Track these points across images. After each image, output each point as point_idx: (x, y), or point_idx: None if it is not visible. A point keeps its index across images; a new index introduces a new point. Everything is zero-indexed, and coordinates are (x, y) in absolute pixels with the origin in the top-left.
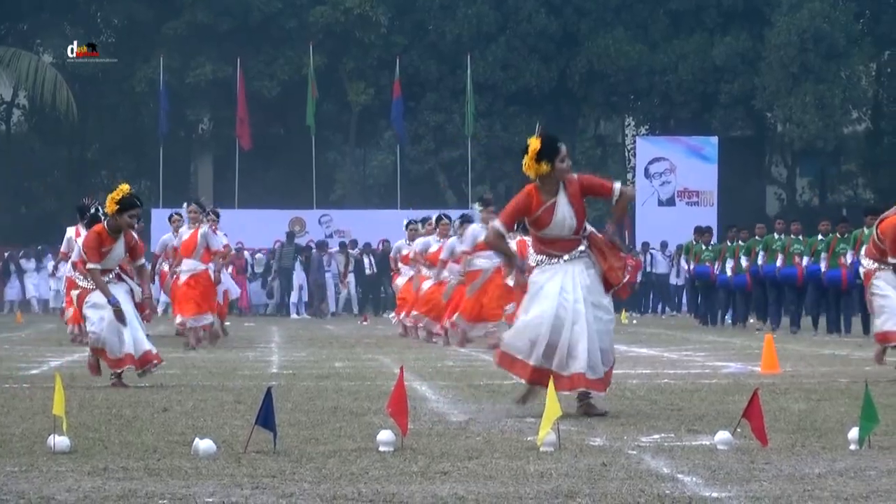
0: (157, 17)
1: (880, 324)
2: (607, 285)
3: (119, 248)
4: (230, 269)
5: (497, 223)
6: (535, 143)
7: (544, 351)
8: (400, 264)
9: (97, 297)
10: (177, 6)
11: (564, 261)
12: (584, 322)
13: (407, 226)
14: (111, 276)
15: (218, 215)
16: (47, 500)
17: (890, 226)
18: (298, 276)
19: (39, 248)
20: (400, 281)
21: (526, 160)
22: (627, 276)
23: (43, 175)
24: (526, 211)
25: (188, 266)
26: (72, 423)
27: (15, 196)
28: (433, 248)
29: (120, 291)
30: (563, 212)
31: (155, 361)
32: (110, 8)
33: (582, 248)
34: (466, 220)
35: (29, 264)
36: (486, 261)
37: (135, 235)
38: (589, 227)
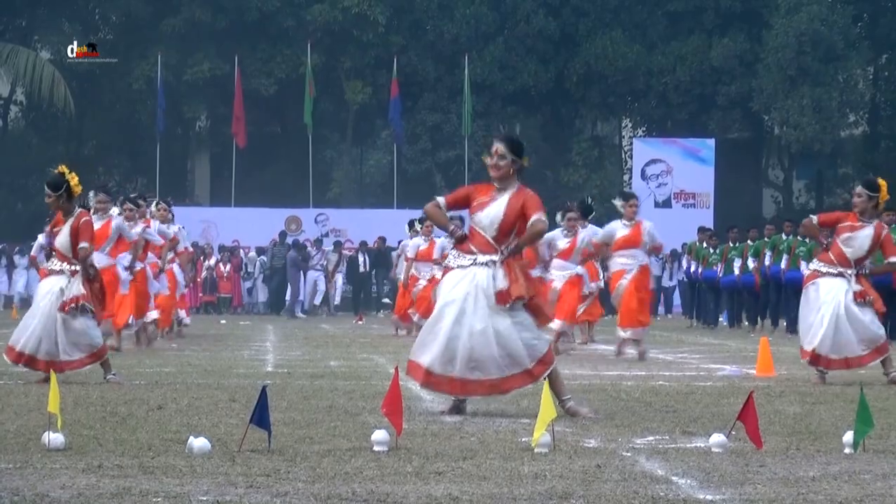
0: (155, 14)
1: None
2: (504, 297)
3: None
4: (172, 261)
5: (439, 198)
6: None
7: (441, 356)
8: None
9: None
10: (174, 3)
11: (475, 262)
12: (492, 327)
13: (411, 226)
14: (63, 264)
15: (169, 205)
16: (42, 498)
17: None
18: (292, 275)
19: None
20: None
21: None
22: (528, 295)
23: (40, 171)
24: (466, 197)
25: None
26: (66, 421)
27: (11, 192)
28: (423, 247)
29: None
30: (498, 208)
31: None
32: (108, 4)
33: (495, 258)
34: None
35: (22, 261)
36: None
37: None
38: (509, 250)
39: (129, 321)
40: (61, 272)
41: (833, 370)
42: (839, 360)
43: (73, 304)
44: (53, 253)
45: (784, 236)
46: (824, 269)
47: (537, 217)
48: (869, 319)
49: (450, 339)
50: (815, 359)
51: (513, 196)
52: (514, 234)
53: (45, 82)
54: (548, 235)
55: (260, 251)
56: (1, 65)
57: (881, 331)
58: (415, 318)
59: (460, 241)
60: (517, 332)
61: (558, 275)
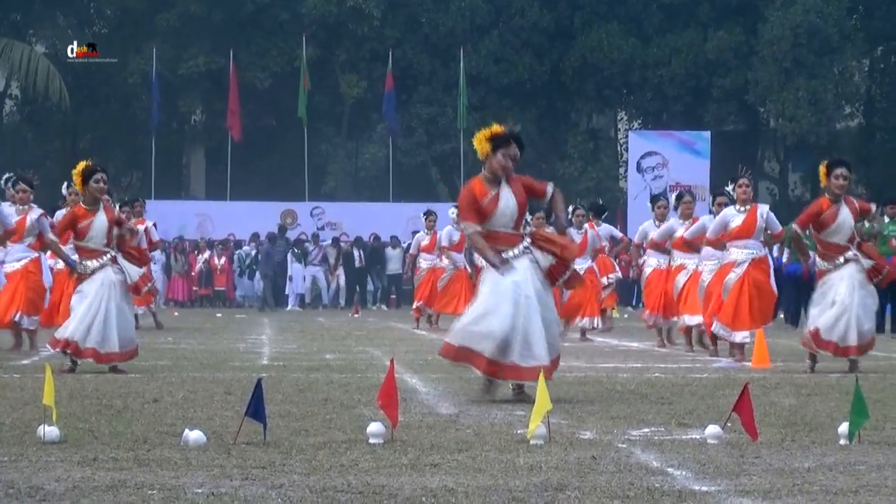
0: (150, 8)
1: None
2: (559, 268)
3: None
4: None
5: (474, 226)
6: (495, 128)
7: (499, 344)
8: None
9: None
10: None
11: (510, 257)
12: (539, 315)
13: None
14: (104, 258)
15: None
16: (36, 490)
17: None
18: (292, 269)
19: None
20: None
21: (479, 135)
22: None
23: (35, 166)
24: (472, 201)
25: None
26: (62, 413)
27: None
28: (425, 242)
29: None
30: (507, 200)
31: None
32: None
33: (525, 244)
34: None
35: None
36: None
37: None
38: (530, 227)
39: (16, 318)
40: (103, 266)
41: (825, 352)
42: (831, 345)
43: (143, 286)
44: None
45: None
46: (830, 266)
47: (551, 187)
48: (870, 315)
49: (506, 327)
50: (815, 336)
51: (513, 185)
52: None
53: (40, 76)
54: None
55: (238, 245)
56: None
57: (873, 327)
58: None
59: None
60: (547, 330)
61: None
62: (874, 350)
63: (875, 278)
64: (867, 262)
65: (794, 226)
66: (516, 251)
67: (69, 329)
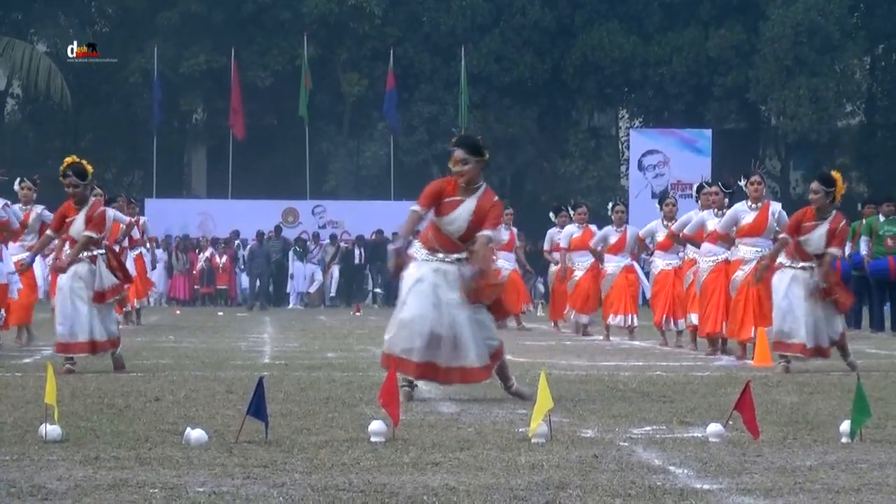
0: (151, 7)
1: None
2: (477, 294)
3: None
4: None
5: (416, 206)
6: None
7: (428, 344)
8: None
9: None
10: None
11: (441, 259)
12: (464, 314)
13: (557, 212)
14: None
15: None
16: (38, 489)
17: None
18: (293, 267)
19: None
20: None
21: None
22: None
23: (36, 165)
24: (439, 193)
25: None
26: (63, 412)
27: (8, 186)
28: (577, 235)
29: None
30: (463, 212)
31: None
32: None
33: (460, 256)
34: None
35: None
36: (506, 262)
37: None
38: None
39: None
40: (80, 260)
41: (787, 353)
42: (797, 345)
43: (110, 297)
44: (66, 244)
45: None
46: (787, 263)
47: (483, 237)
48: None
49: (434, 328)
50: (799, 348)
51: (481, 200)
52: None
53: (42, 75)
54: (600, 233)
55: (245, 243)
56: None
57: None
58: (571, 316)
59: (397, 265)
60: (477, 327)
61: (503, 264)
62: (876, 348)
63: (825, 298)
64: (822, 283)
65: (785, 236)
66: (451, 257)
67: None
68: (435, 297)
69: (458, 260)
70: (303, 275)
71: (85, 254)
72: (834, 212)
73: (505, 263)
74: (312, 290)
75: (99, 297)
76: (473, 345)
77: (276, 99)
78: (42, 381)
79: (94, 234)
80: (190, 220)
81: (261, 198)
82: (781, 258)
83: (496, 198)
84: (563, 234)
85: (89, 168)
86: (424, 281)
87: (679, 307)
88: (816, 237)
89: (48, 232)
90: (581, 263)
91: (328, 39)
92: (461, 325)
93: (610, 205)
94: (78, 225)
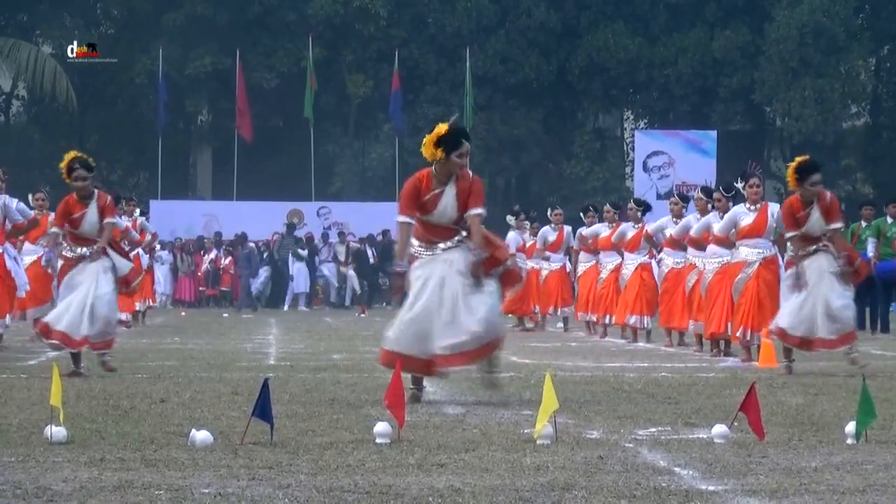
0: (157, 9)
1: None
2: (492, 262)
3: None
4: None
5: (402, 217)
6: (441, 128)
7: (429, 338)
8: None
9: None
10: None
11: (442, 249)
12: (460, 304)
13: (586, 212)
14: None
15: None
16: (44, 491)
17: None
18: (293, 269)
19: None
20: None
21: (426, 140)
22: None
23: (42, 166)
24: (416, 194)
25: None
26: (69, 414)
27: (14, 187)
28: (604, 234)
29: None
30: (448, 201)
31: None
32: None
33: (459, 237)
34: None
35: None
36: (551, 263)
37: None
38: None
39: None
40: (92, 255)
41: (792, 346)
42: (799, 339)
43: (134, 280)
44: (69, 239)
45: None
46: (801, 252)
47: (475, 212)
48: (843, 304)
49: (431, 323)
50: (781, 334)
51: (458, 184)
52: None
53: (47, 77)
54: (511, 236)
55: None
56: (3, 59)
57: (851, 317)
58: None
59: (397, 287)
60: (473, 313)
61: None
62: (882, 350)
63: (845, 267)
64: (841, 255)
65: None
66: (450, 243)
67: (50, 313)
68: (441, 292)
69: (460, 241)
70: (304, 276)
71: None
72: (817, 192)
73: (549, 264)
74: (332, 296)
75: (124, 282)
76: (470, 324)
77: (281, 100)
78: (47, 382)
79: (116, 220)
80: (195, 221)
81: (266, 199)
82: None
83: (471, 174)
84: (587, 232)
85: (92, 163)
86: (432, 279)
87: (687, 307)
88: (815, 221)
89: (54, 229)
90: (608, 264)
91: (333, 41)
92: (462, 307)
93: (630, 203)
94: (91, 217)
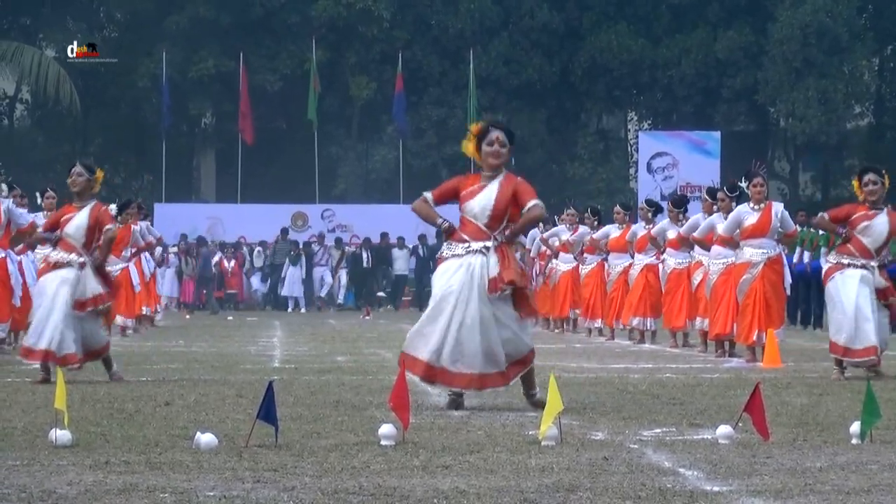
0: (160, 12)
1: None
2: (495, 283)
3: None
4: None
5: (427, 193)
6: (475, 127)
7: (436, 347)
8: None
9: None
10: (179, 1)
11: (468, 251)
12: (478, 319)
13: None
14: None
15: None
16: (49, 494)
17: None
18: (286, 272)
19: None
20: None
21: (464, 142)
22: (523, 283)
23: (45, 169)
24: (454, 190)
25: None
26: (73, 418)
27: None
28: (615, 235)
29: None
30: (488, 195)
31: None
32: (113, 2)
33: (489, 244)
34: None
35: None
36: (564, 263)
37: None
38: (504, 236)
39: None
40: (69, 264)
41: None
42: (861, 350)
43: (91, 307)
44: (58, 244)
45: (799, 228)
46: (846, 261)
47: (534, 203)
48: (880, 321)
49: (450, 330)
50: (846, 353)
51: (503, 183)
52: (507, 220)
53: (51, 80)
54: (531, 235)
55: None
56: (6, 63)
57: (885, 335)
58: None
59: (448, 234)
60: (498, 331)
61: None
62: (889, 350)
63: (882, 300)
64: (880, 282)
65: (825, 214)
66: (475, 246)
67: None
68: (458, 301)
69: (486, 248)
70: (299, 279)
71: (75, 257)
72: (887, 206)
73: (563, 265)
74: (322, 293)
75: (79, 306)
76: (487, 349)
77: (284, 103)
78: (52, 386)
79: (116, 226)
80: (199, 224)
81: (270, 202)
82: (842, 258)
83: (518, 178)
84: (598, 234)
85: (99, 173)
86: (452, 294)
87: (692, 309)
88: (879, 225)
89: (43, 232)
90: (617, 266)
91: (337, 43)
92: (478, 328)
93: (642, 203)
94: (80, 221)
